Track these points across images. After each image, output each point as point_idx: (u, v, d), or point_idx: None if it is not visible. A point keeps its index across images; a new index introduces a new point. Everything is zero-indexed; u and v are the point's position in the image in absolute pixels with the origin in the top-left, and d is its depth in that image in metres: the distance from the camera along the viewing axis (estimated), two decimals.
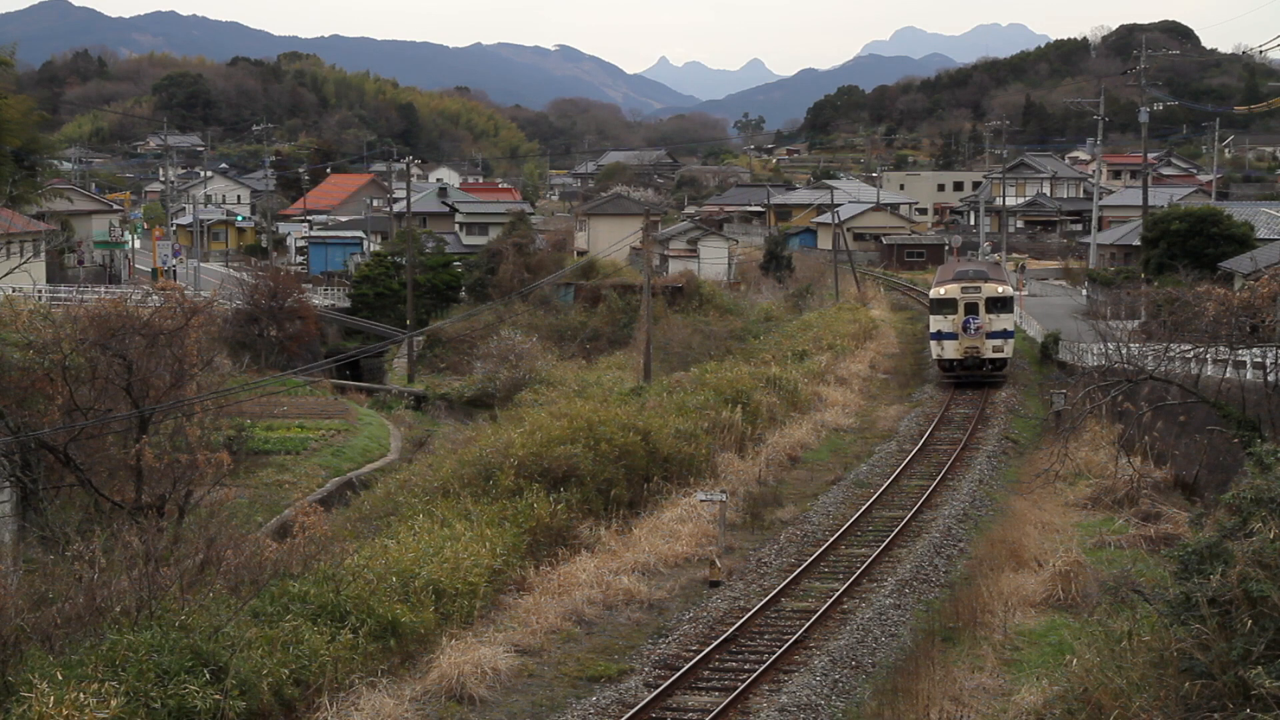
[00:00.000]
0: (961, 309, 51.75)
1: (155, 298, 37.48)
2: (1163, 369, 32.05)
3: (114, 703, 16.57)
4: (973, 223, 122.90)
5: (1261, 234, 60.42)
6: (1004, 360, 52.12)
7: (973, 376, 51.69)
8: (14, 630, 18.01)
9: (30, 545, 25.78)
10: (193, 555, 22.08)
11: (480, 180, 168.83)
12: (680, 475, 34.52)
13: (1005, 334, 52.14)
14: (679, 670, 22.04)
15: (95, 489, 27.30)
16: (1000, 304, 51.94)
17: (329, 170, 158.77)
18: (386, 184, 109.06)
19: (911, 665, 21.12)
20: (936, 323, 52.56)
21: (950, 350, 51.95)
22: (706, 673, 22.26)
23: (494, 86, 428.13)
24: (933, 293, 53.83)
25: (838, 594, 26.25)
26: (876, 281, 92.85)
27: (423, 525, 27.35)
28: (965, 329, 51.54)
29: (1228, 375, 32.19)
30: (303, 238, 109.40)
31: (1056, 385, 44.26)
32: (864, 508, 33.58)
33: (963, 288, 52.11)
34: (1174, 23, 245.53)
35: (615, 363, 60.51)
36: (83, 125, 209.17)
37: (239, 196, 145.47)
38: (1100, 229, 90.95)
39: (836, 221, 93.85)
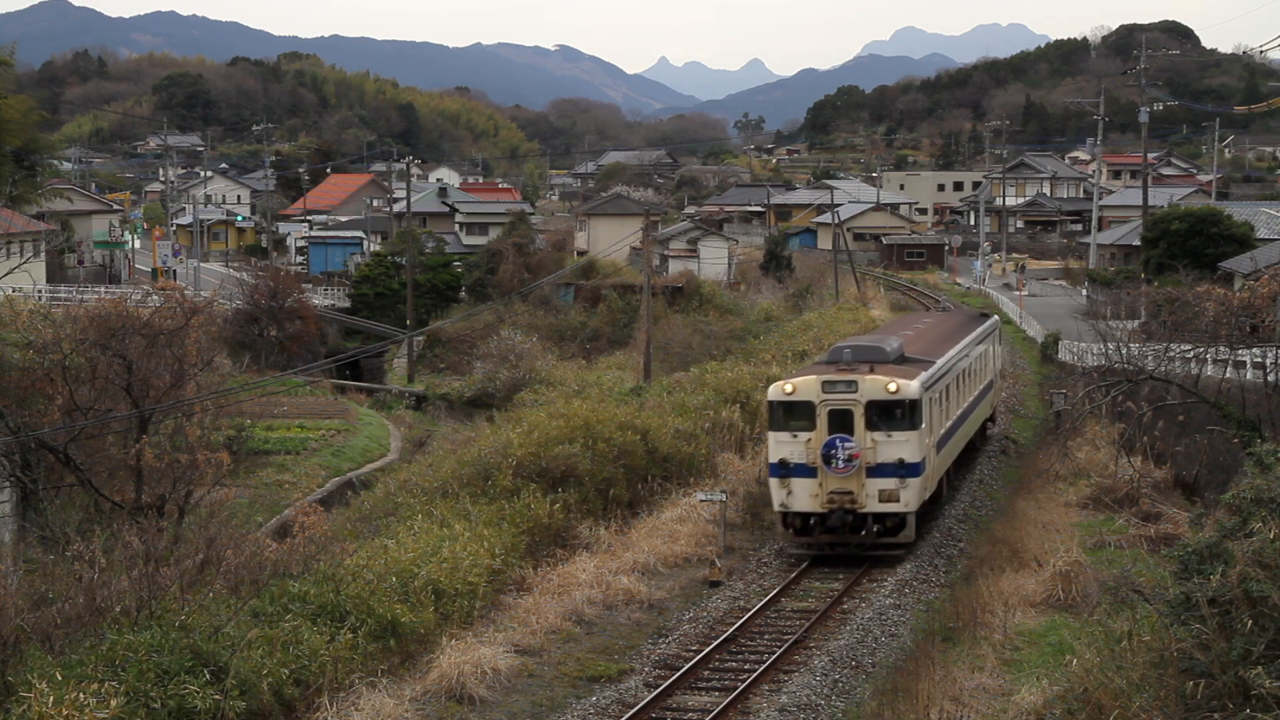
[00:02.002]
0: (823, 421, 28.59)
1: (155, 298, 37.52)
2: (1163, 369, 32.06)
3: (114, 703, 16.58)
4: (973, 223, 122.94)
5: (1261, 234, 60.47)
6: (901, 518, 28.63)
7: (844, 546, 28.79)
8: (14, 630, 18.02)
9: (30, 545, 25.79)
10: (193, 555, 22.10)
11: (480, 180, 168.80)
12: (680, 475, 34.49)
13: (904, 469, 28.41)
14: (679, 670, 22.05)
15: (95, 489, 27.32)
16: (896, 412, 28.58)
17: (329, 170, 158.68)
18: (386, 184, 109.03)
19: (911, 665, 21.13)
20: (779, 446, 29.09)
21: (801, 498, 28.74)
22: (706, 673, 22.27)
23: (494, 86, 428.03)
24: (772, 391, 29.80)
25: (838, 594, 26.27)
26: (876, 281, 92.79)
27: (422, 525, 27.35)
28: (828, 459, 28.36)
29: (1228, 375, 32.22)
30: (303, 238, 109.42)
31: (1056, 385, 44.23)
32: None
33: (825, 382, 28.83)
34: (1174, 23, 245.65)
35: (615, 363, 60.46)
36: (83, 125, 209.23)
37: (239, 196, 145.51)
38: (1100, 229, 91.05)
39: (836, 221, 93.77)
